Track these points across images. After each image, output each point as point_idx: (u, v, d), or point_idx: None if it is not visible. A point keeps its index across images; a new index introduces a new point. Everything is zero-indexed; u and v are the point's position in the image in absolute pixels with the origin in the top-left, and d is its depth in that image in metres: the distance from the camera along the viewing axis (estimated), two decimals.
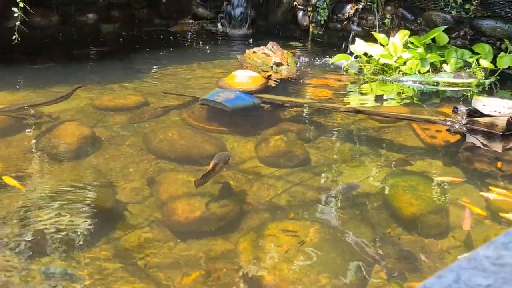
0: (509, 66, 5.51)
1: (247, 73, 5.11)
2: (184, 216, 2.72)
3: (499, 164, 3.27)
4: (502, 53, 5.58)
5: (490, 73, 5.54)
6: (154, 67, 5.90)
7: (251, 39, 7.35)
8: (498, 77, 5.51)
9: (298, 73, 5.66)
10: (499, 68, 5.50)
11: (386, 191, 3.12)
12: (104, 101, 4.52)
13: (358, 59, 5.98)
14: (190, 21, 8.19)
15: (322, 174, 3.36)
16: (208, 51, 6.91)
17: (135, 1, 7.53)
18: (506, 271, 0.64)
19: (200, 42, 7.40)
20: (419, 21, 6.37)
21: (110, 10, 7.35)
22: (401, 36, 5.79)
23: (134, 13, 7.61)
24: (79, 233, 2.63)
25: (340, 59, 5.99)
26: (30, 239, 2.55)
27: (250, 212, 2.88)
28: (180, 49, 6.95)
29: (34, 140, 3.73)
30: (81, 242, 2.55)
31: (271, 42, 5.90)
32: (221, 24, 8.15)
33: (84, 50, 6.51)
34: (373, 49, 5.81)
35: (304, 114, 4.50)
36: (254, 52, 5.79)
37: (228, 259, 2.46)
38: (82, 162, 3.43)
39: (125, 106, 4.41)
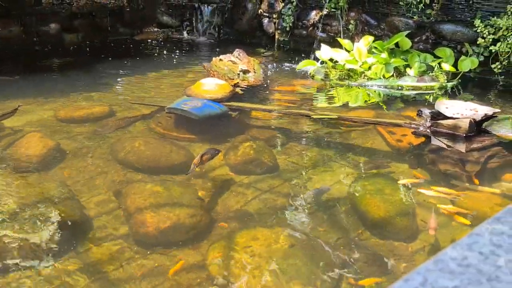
0: (470, 69, 5.65)
1: (214, 81, 5.09)
2: (153, 227, 2.68)
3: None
4: (463, 57, 5.72)
5: (452, 76, 5.68)
6: (120, 76, 5.83)
7: (218, 47, 7.34)
8: (459, 80, 5.65)
9: (265, 80, 5.68)
10: (461, 71, 5.64)
11: (354, 195, 3.15)
12: (69, 112, 4.43)
13: (324, 64, 6.04)
14: (155, 29, 8.14)
15: (291, 180, 3.37)
16: (174, 60, 6.87)
17: (98, 10, 7.43)
18: (471, 271, 0.65)
19: (166, 50, 7.36)
20: (382, 27, 6.47)
21: (73, 20, 7.24)
22: (365, 41, 5.87)
23: (97, 22, 7.52)
24: (44, 247, 2.56)
25: (306, 65, 6.04)
26: None
27: (219, 221, 2.86)
28: (146, 58, 6.89)
29: None
30: (47, 257, 2.49)
31: (237, 50, 5.90)
32: (187, 32, 8.12)
33: (47, 61, 6.38)
34: (339, 55, 5.88)
35: (272, 121, 4.51)
36: (220, 59, 5.78)
37: (198, 269, 2.44)
38: (47, 175, 3.34)
39: (90, 117, 4.34)
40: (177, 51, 7.29)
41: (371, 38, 5.93)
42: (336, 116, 4.48)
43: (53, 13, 7.01)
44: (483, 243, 0.71)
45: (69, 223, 2.79)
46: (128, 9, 7.75)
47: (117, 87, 5.44)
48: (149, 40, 7.83)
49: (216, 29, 8.04)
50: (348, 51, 5.93)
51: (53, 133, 3.98)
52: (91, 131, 4.07)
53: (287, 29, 7.26)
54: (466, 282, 0.63)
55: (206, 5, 7.96)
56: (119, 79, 5.73)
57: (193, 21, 8.10)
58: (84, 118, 4.30)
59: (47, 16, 6.96)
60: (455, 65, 5.65)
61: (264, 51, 7.31)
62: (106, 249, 2.60)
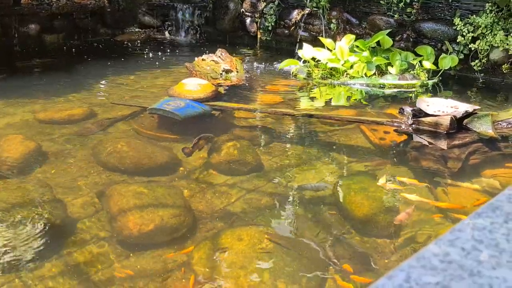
0: (450, 67, 5.72)
1: (196, 81, 5.07)
2: (136, 229, 2.66)
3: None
4: (443, 55, 5.79)
5: (432, 74, 5.74)
6: (101, 77, 5.77)
7: (200, 47, 7.32)
8: (440, 78, 5.71)
9: (248, 80, 5.68)
10: (441, 69, 5.70)
11: (338, 194, 3.16)
12: (49, 114, 4.38)
13: (306, 64, 6.06)
14: (137, 29, 8.08)
15: (275, 180, 3.37)
16: (156, 60, 6.83)
17: (78, 10, 7.36)
18: (453, 267, 0.65)
19: (148, 51, 7.31)
20: (363, 25, 6.52)
21: (53, 20, 7.15)
22: (347, 40, 5.91)
23: (78, 23, 7.44)
24: (26, 251, 2.52)
25: (288, 64, 6.05)
26: None
27: (204, 222, 2.85)
28: (127, 58, 6.83)
29: None
30: (29, 261, 2.45)
31: (219, 49, 5.89)
32: (169, 32, 8.08)
33: (27, 62, 6.30)
34: (321, 54, 5.90)
35: (256, 120, 4.51)
36: (203, 59, 5.76)
37: (184, 270, 2.42)
38: (28, 178, 3.30)
39: (72, 118, 4.29)
40: (159, 51, 7.25)
41: (353, 37, 5.96)
42: (319, 115, 4.49)
43: (32, 13, 6.91)
44: (465, 239, 0.72)
45: (51, 226, 2.75)
46: (108, 10, 7.68)
47: (98, 88, 5.39)
48: (130, 41, 7.77)
49: (198, 29, 8.01)
50: (330, 50, 5.95)
51: (34, 135, 3.93)
52: (73, 132, 4.02)
53: (269, 28, 7.26)
54: (448, 278, 0.63)
55: (187, 5, 7.93)
56: (100, 80, 5.67)
57: (175, 21, 8.06)
58: (66, 120, 4.26)
59: (26, 16, 6.86)
60: (435, 63, 5.71)
61: (247, 50, 7.30)
62: (89, 251, 2.57)
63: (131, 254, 2.55)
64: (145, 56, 7.02)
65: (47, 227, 2.72)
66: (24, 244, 2.57)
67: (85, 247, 2.61)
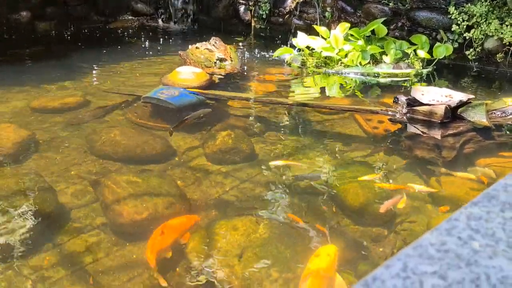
0: (444, 56, 5.71)
1: (190, 69, 5.05)
2: (130, 218, 2.65)
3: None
4: (438, 43, 5.78)
5: (427, 63, 5.73)
6: (94, 65, 5.73)
7: (194, 35, 7.27)
8: (435, 67, 5.71)
9: (242, 68, 5.66)
10: (436, 58, 5.70)
11: (333, 183, 3.17)
12: (42, 102, 4.35)
13: (301, 52, 6.03)
14: (130, 17, 8.02)
15: (270, 169, 3.37)
16: (150, 48, 6.79)
17: None
18: (450, 256, 0.65)
19: (141, 38, 7.26)
20: (358, 14, 6.49)
21: (45, 8, 7.08)
22: (342, 28, 5.88)
23: (70, 10, 7.37)
24: (19, 241, 2.51)
25: (283, 53, 6.03)
26: None
27: (198, 211, 2.85)
28: (121, 46, 6.78)
29: None
30: (22, 251, 2.45)
31: (213, 38, 5.85)
32: (162, 20, 8.02)
33: (19, 50, 6.24)
34: (315, 42, 5.88)
35: (250, 109, 4.50)
36: (197, 48, 5.73)
37: (178, 259, 2.42)
38: (21, 167, 3.28)
39: (65, 106, 4.26)
40: (153, 39, 7.20)
41: (348, 25, 5.94)
42: (314, 104, 4.49)
43: (24, 0, 6.84)
44: (462, 228, 0.72)
45: (45, 215, 2.74)
46: None
47: (91, 76, 5.35)
48: (123, 28, 7.71)
49: (192, 16, 7.95)
50: (325, 39, 5.93)
51: (27, 123, 3.90)
52: (66, 121, 4.00)
53: (264, 16, 7.22)
54: (445, 267, 0.64)
55: None
56: (93, 68, 5.64)
57: (168, 9, 8.00)
58: (59, 108, 4.23)
59: (17, 3, 6.79)
60: (430, 52, 5.71)
61: (241, 39, 7.26)
62: (84, 240, 2.57)
63: (126, 243, 2.55)
64: (139, 44, 6.98)
65: (41, 216, 2.71)
66: (18, 233, 2.55)
67: (79, 236, 2.60)
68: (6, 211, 2.72)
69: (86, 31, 7.39)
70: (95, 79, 5.26)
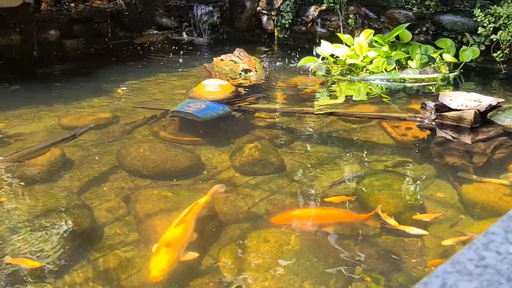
0: (471, 59, 5.64)
1: (216, 81, 5.09)
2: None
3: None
4: (464, 47, 5.71)
5: (453, 66, 5.67)
6: (121, 81, 5.83)
7: (218, 47, 7.33)
8: (461, 70, 5.64)
9: (266, 79, 5.68)
10: (462, 61, 5.63)
11: (363, 192, 3.15)
12: (73, 120, 4.44)
13: (325, 60, 6.03)
14: (155, 31, 8.14)
15: (299, 180, 3.37)
16: (175, 62, 6.87)
17: (97, 15, 7.44)
18: (490, 272, 0.64)
19: (166, 52, 7.36)
20: (382, 20, 6.46)
21: (73, 26, 7.24)
22: (366, 35, 5.86)
23: (97, 27, 7.52)
24: (56, 257, 2.56)
25: (307, 62, 6.04)
26: (3, 269, 2.47)
27: (229, 223, 2.87)
28: (147, 61, 6.89)
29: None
30: (57, 267, 2.49)
31: (238, 49, 5.90)
32: (186, 33, 8.12)
33: (48, 68, 6.39)
34: (339, 50, 5.87)
35: (276, 120, 4.51)
36: (221, 59, 5.78)
37: (210, 273, 2.44)
38: (54, 184, 3.35)
39: (95, 123, 4.34)
40: (178, 53, 7.29)
41: (371, 31, 5.92)
42: (340, 113, 4.47)
43: (52, 19, 7.01)
44: (500, 242, 0.71)
45: (80, 232, 2.79)
46: (126, 13, 7.75)
47: (119, 92, 5.44)
48: (149, 43, 7.83)
49: (215, 28, 8.03)
50: (349, 46, 5.92)
51: None
52: (96, 138, 4.07)
53: (286, 25, 7.25)
54: (485, 283, 0.63)
55: (204, 5, 7.96)
56: (121, 84, 5.73)
57: (192, 22, 8.10)
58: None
59: (46, 23, 6.96)
60: (456, 55, 5.64)
61: (265, 49, 7.30)
62: (118, 256, 2.61)
63: None
64: (164, 58, 7.07)
65: (75, 232, 2.76)
66: (53, 250, 2.61)
67: (113, 251, 2.64)
68: (42, 228, 2.78)
69: (112, 47, 7.52)
70: (123, 95, 5.35)
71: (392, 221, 2.71)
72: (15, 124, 4.38)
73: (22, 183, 3.35)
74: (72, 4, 7.24)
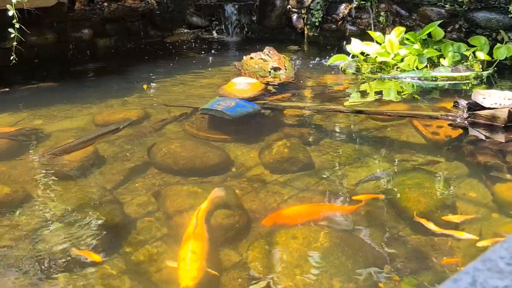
0: (506, 57, 5.51)
1: (245, 79, 5.12)
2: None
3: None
4: (498, 44, 5.59)
5: (487, 65, 5.55)
6: (153, 79, 5.92)
7: (247, 45, 7.36)
8: (495, 68, 5.53)
9: (296, 77, 5.67)
10: (496, 59, 5.51)
11: (393, 191, 3.12)
12: (105, 117, 4.53)
13: (355, 58, 5.99)
14: (185, 30, 8.23)
15: (327, 178, 3.36)
16: (206, 60, 6.93)
17: (129, 14, 7.56)
18: None
19: (197, 51, 7.42)
20: (413, 17, 6.38)
21: (105, 25, 7.38)
22: (397, 33, 5.80)
23: (129, 26, 7.65)
24: (89, 250, 2.62)
25: (337, 60, 6.01)
26: (40, 260, 2.55)
27: (257, 220, 2.88)
28: (177, 59, 6.97)
29: (37, 160, 3.74)
30: (91, 261, 2.55)
31: (267, 47, 5.91)
32: (216, 32, 8.18)
33: (81, 67, 6.53)
34: (370, 48, 5.82)
35: (305, 118, 4.51)
36: (251, 58, 5.80)
37: (239, 269, 2.46)
38: (87, 180, 3.43)
39: (127, 120, 4.41)
40: (208, 51, 7.35)
41: (403, 29, 5.85)
42: (370, 111, 4.44)
43: (85, 18, 7.16)
44: None
45: (111, 226, 2.85)
46: (158, 12, 7.86)
47: (151, 90, 5.53)
48: (180, 42, 7.91)
49: (245, 27, 8.06)
50: (380, 44, 5.86)
51: None
52: (128, 135, 4.14)
53: (316, 24, 7.23)
54: None
55: (234, 4, 8.00)
56: (152, 82, 5.81)
57: (222, 21, 8.15)
58: (121, 122, 4.38)
59: (79, 22, 7.11)
60: (490, 53, 5.53)
61: (294, 47, 7.29)
62: (148, 250, 2.65)
63: None
64: (194, 57, 7.14)
65: (107, 227, 2.83)
66: (86, 244, 2.67)
67: (144, 246, 2.69)
68: (75, 222, 2.85)
69: (144, 45, 7.63)
70: (154, 92, 5.42)
71: (432, 226, 2.65)
72: (51, 122, 4.49)
73: (57, 178, 3.43)
74: (105, 4, 7.38)
